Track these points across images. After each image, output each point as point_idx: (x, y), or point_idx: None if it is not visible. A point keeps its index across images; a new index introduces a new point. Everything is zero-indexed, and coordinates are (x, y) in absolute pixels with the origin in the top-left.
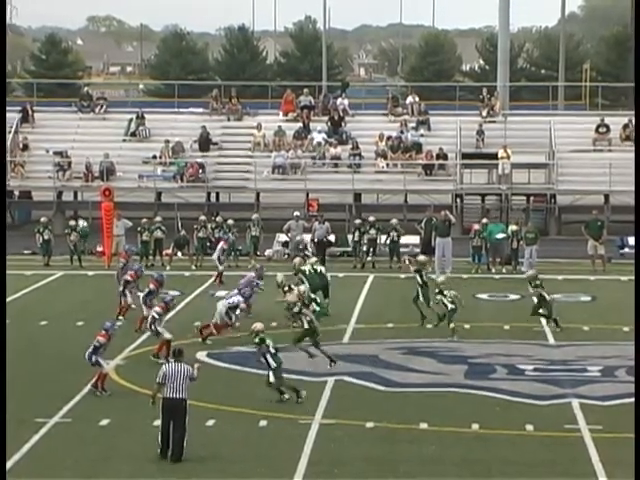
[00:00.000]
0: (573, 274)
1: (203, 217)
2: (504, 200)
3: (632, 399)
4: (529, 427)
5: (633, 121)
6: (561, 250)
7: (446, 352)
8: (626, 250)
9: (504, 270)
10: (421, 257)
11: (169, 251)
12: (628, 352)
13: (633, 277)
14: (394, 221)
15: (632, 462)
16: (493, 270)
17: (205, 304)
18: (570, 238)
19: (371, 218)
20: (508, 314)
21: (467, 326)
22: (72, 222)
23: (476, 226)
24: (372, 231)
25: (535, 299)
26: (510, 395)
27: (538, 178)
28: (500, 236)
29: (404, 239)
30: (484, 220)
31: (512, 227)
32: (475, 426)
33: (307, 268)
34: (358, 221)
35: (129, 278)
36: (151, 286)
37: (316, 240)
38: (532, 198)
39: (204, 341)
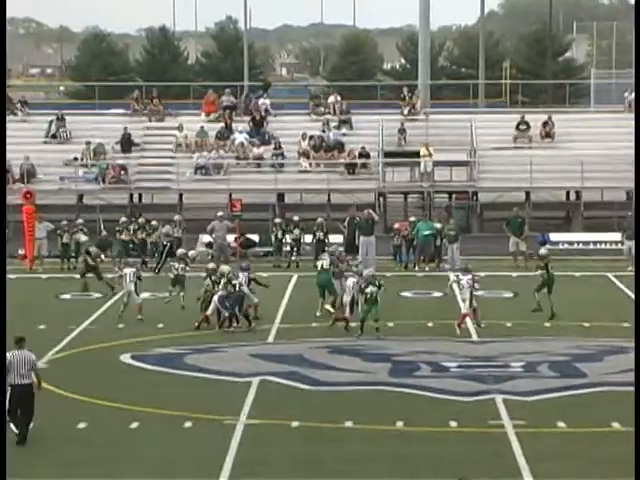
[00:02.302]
0: (495, 270)
1: (124, 219)
2: (426, 198)
3: (554, 394)
4: (453, 423)
5: (553, 118)
6: (483, 247)
7: (370, 350)
8: (547, 247)
9: (427, 268)
10: (543, 251)
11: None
12: (550, 347)
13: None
14: (320, 220)
15: (554, 457)
16: (417, 268)
17: (128, 306)
18: (492, 235)
19: (295, 218)
20: (432, 312)
21: (391, 324)
22: None
23: (396, 225)
24: (296, 231)
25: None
26: (434, 392)
27: (460, 176)
28: (427, 233)
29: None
30: (412, 218)
31: (436, 225)
32: (400, 423)
33: (320, 263)
34: (278, 220)
35: None
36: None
37: (218, 241)
38: (454, 196)
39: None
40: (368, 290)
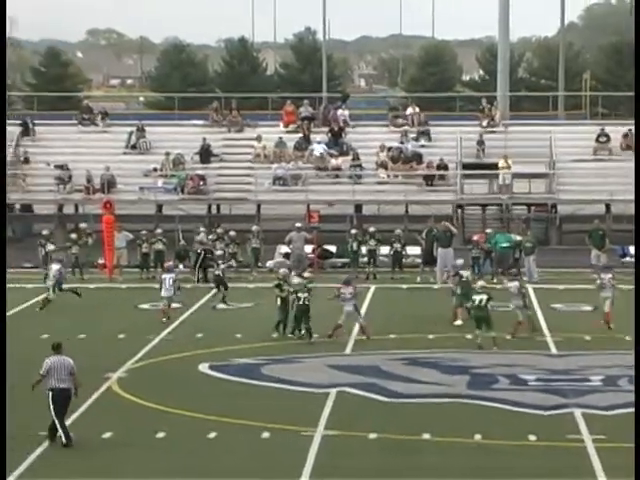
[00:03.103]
0: (574, 283)
1: (203, 229)
2: (505, 210)
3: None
4: (532, 437)
5: (633, 130)
6: (562, 260)
7: (448, 363)
8: (627, 259)
9: (505, 280)
10: None
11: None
12: (630, 361)
13: (634, 286)
14: (398, 231)
15: (633, 472)
16: (495, 280)
17: (207, 316)
18: (571, 247)
19: (371, 229)
20: (510, 324)
21: (469, 336)
22: (73, 235)
23: (475, 237)
24: (372, 242)
25: None
26: (513, 405)
27: (539, 188)
28: (505, 245)
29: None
30: (488, 230)
31: (516, 237)
32: (478, 436)
33: (466, 274)
34: (354, 231)
35: None
36: None
37: (296, 252)
38: (533, 208)
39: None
40: (477, 298)
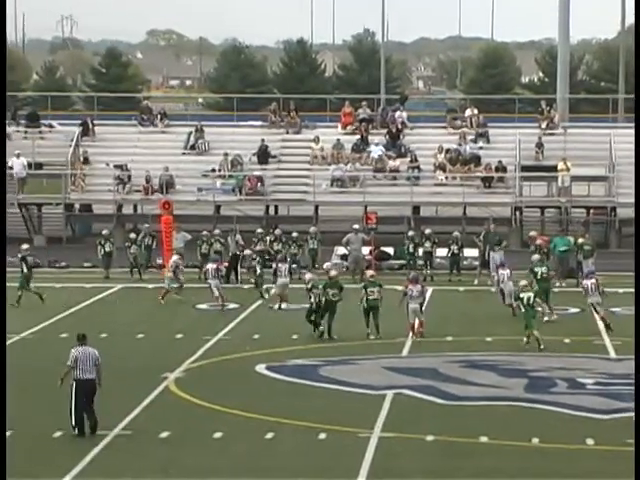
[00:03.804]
0: (634, 287)
1: (261, 230)
2: (563, 213)
3: None
4: (589, 441)
5: None
6: (622, 263)
7: (506, 365)
8: None
9: (564, 284)
10: None
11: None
12: None
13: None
14: (456, 233)
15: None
16: (556, 283)
17: (263, 317)
18: (631, 251)
19: (427, 231)
20: (568, 327)
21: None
22: (132, 235)
23: (538, 241)
24: (427, 244)
25: None
26: (570, 409)
27: (598, 191)
28: (563, 248)
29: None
30: (532, 233)
31: (579, 240)
32: (535, 440)
33: (540, 270)
34: (411, 233)
35: None
36: None
37: (354, 253)
38: (592, 211)
39: None
40: (524, 296)
